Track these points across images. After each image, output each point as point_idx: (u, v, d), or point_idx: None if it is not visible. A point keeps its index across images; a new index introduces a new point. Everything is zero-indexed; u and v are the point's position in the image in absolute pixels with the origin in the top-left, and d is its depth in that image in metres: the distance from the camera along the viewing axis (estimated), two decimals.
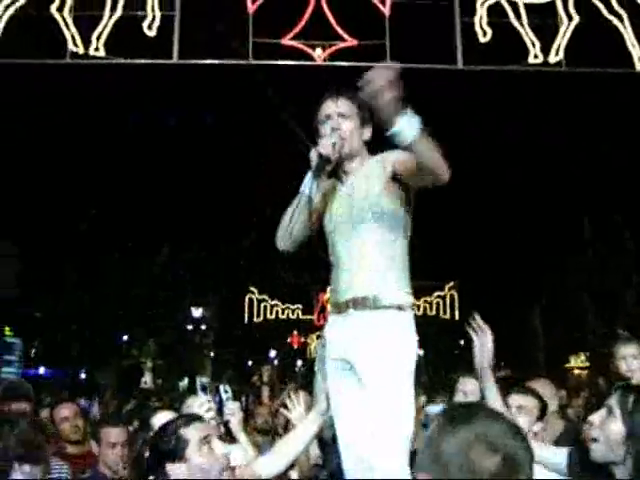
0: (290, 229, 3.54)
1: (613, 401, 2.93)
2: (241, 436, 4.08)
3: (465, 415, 1.69)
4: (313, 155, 3.46)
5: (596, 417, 3.00)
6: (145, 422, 4.10)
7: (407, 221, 3.56)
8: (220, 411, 4.23)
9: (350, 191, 3.56)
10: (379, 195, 3.48)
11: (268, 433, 6.69)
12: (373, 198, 3.48)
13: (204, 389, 4.23)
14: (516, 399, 4.07)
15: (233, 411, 4.16)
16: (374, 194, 3.48)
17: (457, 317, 26.48)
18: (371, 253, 3.48)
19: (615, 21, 8.40)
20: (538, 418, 4.13)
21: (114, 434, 4.62)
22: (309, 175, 3.49)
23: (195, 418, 3.20)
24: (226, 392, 4.26)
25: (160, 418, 3.72)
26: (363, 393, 3.33)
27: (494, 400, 3.65)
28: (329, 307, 3.68)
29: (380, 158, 3.56)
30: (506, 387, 4.51)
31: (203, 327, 31.56)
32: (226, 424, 4.17)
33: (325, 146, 3.41)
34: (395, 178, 3.48)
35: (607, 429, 2.89)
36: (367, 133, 3.63)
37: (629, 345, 4.82)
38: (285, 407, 3.87)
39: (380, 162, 3.55)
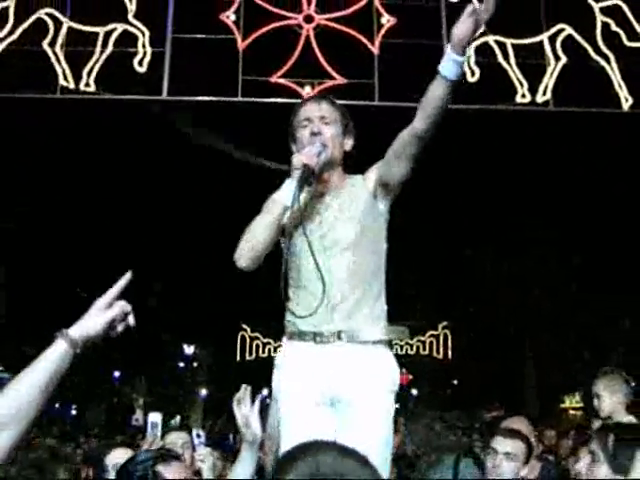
0: (260, 244, 3.17)
1: (594, 445, 2.88)
2: None
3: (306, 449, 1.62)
4: (297, 162, 3.13)
5: (582, 466, 2.94)
6: (99, 461, 4.01)
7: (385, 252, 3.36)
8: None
9: (337, 213, 3.26)
10: (366, 219, 3.28)
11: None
12: (361, 223, 3.26)
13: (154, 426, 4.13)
14: (504, 445, 3.99)
15: (203, 457, 4.07)
16: (361, 218, 3.26)
17: (450, 357, 26.35)
18: (363, 281, 3.25)
19: (602, 62, 8.48)
20: (524, 462, 4.07)
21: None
22: (290, 184, 3.13)
23: (174, 457, 3.09)
24: (198, 436, 4.20)
25: (114, 457, 3.67)
26: (355, 432, 3.05)
27: None
28: (291, 334, 3.25)
29: (363, 177, 3.35)
30: (515, 432, 4.46)
31: (195, 364, 31.43)
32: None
33: (309, 156, 3.13)
34: (376, 197, 3.31)
35: (595, 475, 2.83)
36: (349, 143, 3.39)
37: (606, 379, 4.81)
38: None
39: (364, 182, 3.34)
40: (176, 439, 4.45)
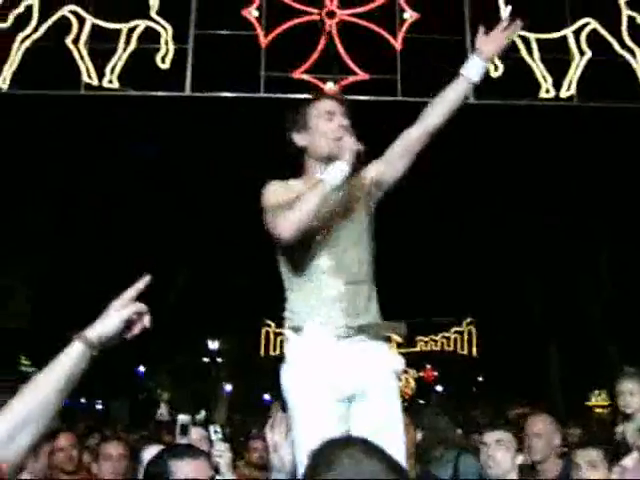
0: (306, 218, 3.13)
1: None
2: (229, 477, 4.00)
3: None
4: (351, 146, 3.17)
5: (629, 461, 2.93)
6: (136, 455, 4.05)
7: None
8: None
9: (342, 211, 3.34)
10: (365, 219, 3.41)
11: (264, 468, 6.60)
12: (362, 223, 3.39)
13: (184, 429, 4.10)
14: (492, 435, 4.01)
15: (222, 453, 4.07)
16: (362, 218, 3.40)
17: (475, 353, 26.27)
18: (370, 278, 3.36)
19: (627, 56, 8.39)
20: (517, 450, 4.09)
21: (111, 447, 4.60)
22: (339, 166, 3.14)
23: (189, 453, 3.07)
24: (216, 432, 4.18)
25: (150, 452, 3.68)
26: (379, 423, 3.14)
27: None
28: (314, 328, 3.21)
29: (359, 177, 3.44)
30: (502, 423, 4.47)
31: (219, 360, 31.47)
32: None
33: (356, 145, 3.18)
34: (370, 196, 3.45)
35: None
36: None
37: (627, 381, 4.82)
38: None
39: (361, 181, 3.46)
40: (194, 434, 4.46)
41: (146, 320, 2.11)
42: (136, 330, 2.09)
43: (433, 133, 3.44)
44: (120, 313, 2.05)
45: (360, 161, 3.24)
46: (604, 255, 20.48)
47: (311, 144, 3.43)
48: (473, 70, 3.48)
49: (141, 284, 2.13)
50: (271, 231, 3.22)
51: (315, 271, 3.28)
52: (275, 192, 3.35)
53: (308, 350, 3.23)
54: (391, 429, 3.18)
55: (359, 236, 3.35)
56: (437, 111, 3.45)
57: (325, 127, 3.37)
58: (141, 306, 2.09)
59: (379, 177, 3.46)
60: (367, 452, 1.60)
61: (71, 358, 1.95)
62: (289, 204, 3.18)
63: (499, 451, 3.90)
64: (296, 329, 3.28)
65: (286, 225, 3.14)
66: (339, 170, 3.15)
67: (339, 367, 3.17)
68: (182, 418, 4.01)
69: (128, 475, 4.85)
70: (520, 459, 4.01)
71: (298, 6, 8.46)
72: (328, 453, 1.63)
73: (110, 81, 8.30)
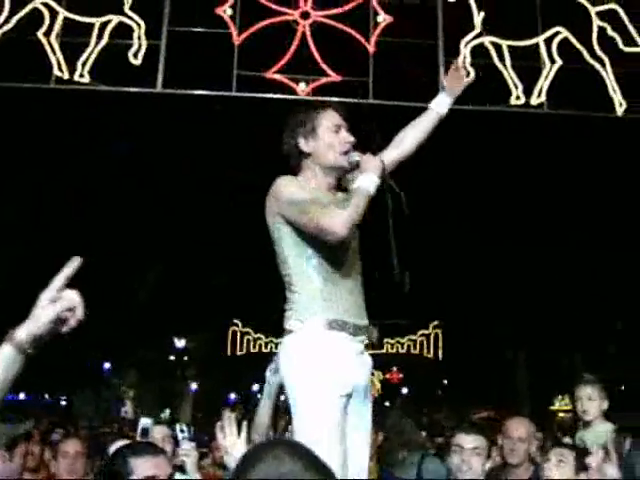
0: (357, 220, 3.39)
1: (609, 445, 2.91)
2: (195, 476, 4.01)
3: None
4: (376, 162, 3.49)
5: (592, 460, 2.98)
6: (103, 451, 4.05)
7: None
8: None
9: None
10: None
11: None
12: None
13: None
14: (470, 440, 4.05)
15: (188, 452, 4.07)
16: None
17: (440, 356, 26.40)
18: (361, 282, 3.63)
19: (597, 66, 8.49)
20: (487, 457, 4.16)
21: (68, 444, 4.58)
22: (370, 177, 3.43)
23: (149, 451, 3.07)
24: (182, 432, 4.18)
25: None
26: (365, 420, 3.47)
27: None
28: (326, 323, 3.34)
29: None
30: (490, 428, 4.52)
31: (186, 358, 31.39)
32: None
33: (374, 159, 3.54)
34: None
35: (604, 474, 2.87)
36: None
37: (586, 386, 4.91)
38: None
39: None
40: (157, 433, 4.46)
41: (79, 312, 1.93)
42: (72, 323, 1.93)
43: (405, 158, 3.89)
44: (47, 311, 1.90)
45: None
46: (571, 260, 20.69)
47: (316, 152, 3.60)
48: (441, 105, 4.10)
49: (69, 269, 1.96)
50: (319, 225, 3.34)
51: (327, 272, 3.43)
52: (300, 187, 3.50)
53: (319, 347, 3.34)
54: (367, 429, 3.46)
55: (357, 242, 3.62)
56: (410, 139, 3.93)
57: (333, 139, 3.58)
58: (72, 297, 1.93)
59: None
60: (292, 453, 1.62)
61: (1, 361, 1.84)
62: (325, 205, 3.42)
63: (475, 457, 3.94)
64: (325, 323, 3.38)
65: (343, 223, 3.31)
66: (372, 181, 3.41)
67: (346, 364, 3.34)
68: (144, 421, 4.01)
69: (86, 473, 4.83)
70: (488, 465, 4.07)
71: (273, 6, 8.45)
72: (254, 454, 1.66)
73: (81, 75, 8.23)
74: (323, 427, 3.16)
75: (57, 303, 1.91)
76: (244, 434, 3.36)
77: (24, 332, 1.87)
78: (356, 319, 3.42)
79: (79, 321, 1.94)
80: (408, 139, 3.94)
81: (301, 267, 3.44)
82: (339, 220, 3.30)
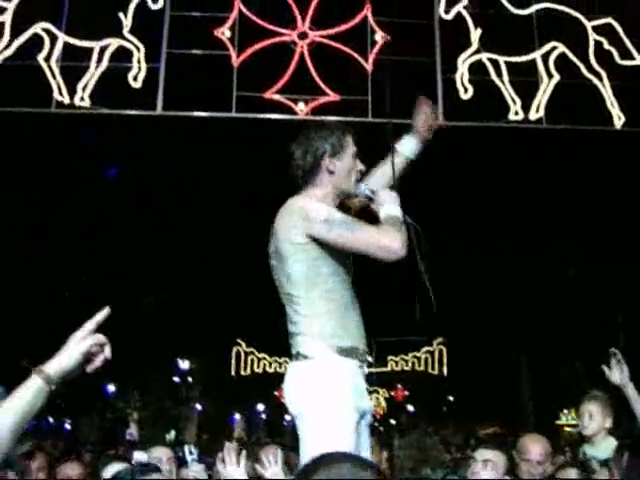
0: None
1: (611, 462, 2.93)
2: None
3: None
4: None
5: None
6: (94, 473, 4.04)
7: None
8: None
9: None
10: None
11: None
12: None
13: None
14: (483, 453, 4.03)
15: (197, 474, 4.09)
16: None
17: (445, 373, 26.32)
18: None
19: (595, 80, 8.53)
20: (507, 472, 4.10)
21: (68, 468, 4.56)
22: (395, 202, 3.57)
23: (153, 469, 3.14)
24: (191, 453, 4.19)
25: (111, 470, 3.68)
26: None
27: None
28: (341, 350, 3.39)
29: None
30: (497, 443, 4.49)
31: (190, 379, 31.32)
32: None
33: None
34: None
35: None
36: None
37: (588, 403, 4.87)
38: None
39: None
40: (161, 454, 4.46)
41: (107, 352, 2.07)
42: (98, 362, 2.05)
43: None
44: (79, 347, 2.00)
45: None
46: (572, 273, 20.71)
47: (338, 173, 3.62)
48: (407, 148, 3.99)
49: (101, 316, 2.08)
50: (381, 243, 3.38)
51: (339, 297, 3.47)
52: (329, 206, 3.53)
53: (336, 374, 3.37)
54: (367, 448, 3.51)
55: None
56: (378, 182, 3.88)
57: (354, 166, 3.66)
58: (100, 337, 2.05)
59: None
60: (355, 464, 1.70)
61: (28, 395, 1.92)
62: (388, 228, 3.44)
63: (485, 469, 3.92)
64: (337, 349, 3.40)
65: (403, 243, 3.38)
66: (399, 211, 3.53)
67: (359, 388, 3.43)
68: (137, 457, 3.98)
69: None
70: None
71: (270, 27, 8.51)
72: (318, 462, 1.75)
73: (82, 99, 8.27)
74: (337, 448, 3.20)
75: (86, 341, 2.01)
76: (243, 463, 3.40)
77: (54, 367, 1.96)
78: (363, 345, 3.48)
79: (106, 360, 2.06)
80: (375, 184, 3.87)
81: (314, 291, 3.43)
82: (400, 240, 3.36)
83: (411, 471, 5.39)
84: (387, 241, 3.34)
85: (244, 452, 3.41)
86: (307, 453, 3.17)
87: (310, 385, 3.36)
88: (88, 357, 2.02)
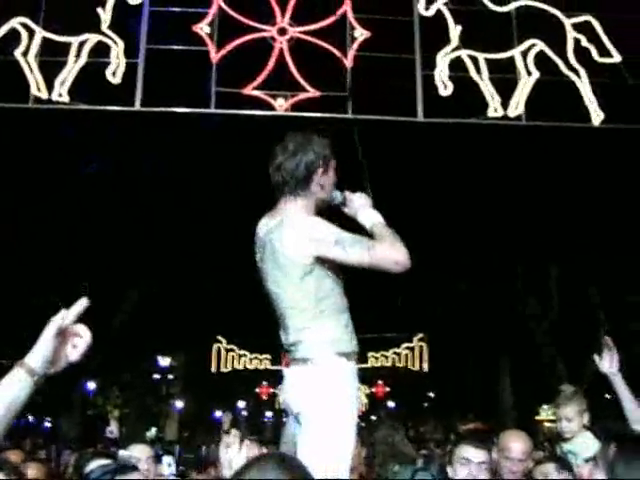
0: None
1: (598, 453, 2.94)
2: None
3: None
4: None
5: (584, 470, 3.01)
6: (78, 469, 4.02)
7: None
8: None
9: None
10: None
11: None
12: None
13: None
14: (478, 454, 4.01)
15: None
16: None
17: (426, 369, 26.40)
18: None
19: (573, 77, 8.56)
20: (487, 469, 4.09)
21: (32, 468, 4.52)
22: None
23: (131, 467, 3.13)
24: (169, 465, 4.20)
25: (91, 467, 3.65)
26: None
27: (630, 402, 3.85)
28: (345, 355, 3.53)
29: None
30: (477, 439, 4.47)
31: (170, 376, 31.23)
32: None
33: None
34: None
35: None
36: None
37: (564, 407, 4.83)
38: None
39: None
40: (140, 453, 4.43)
41: (87, 336, 2.05)
42: (80, 351, 2.03)
43: None
44: (59, 339, 1.99)
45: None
46: (553, 273, 20.80)
47: (324, 186, 3.67)
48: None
49: (79, 307, 2.06)
50: (394, 258, 3.44)
51: (338, 304, 3.58)
52: (335, 232, 3.52)
53: (340, 378, 3.47)
54: None
55: None
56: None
57: (334, 181, 3.72)
58: (81, 328, 2.04)
59: None
60: (281, 466, 1.70)
61: (13, 386, 1.91)
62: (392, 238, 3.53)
63: (482, 472, 3.92)
64: (343, 353, 3.51)
65: (406, 254, 3.44)
66: (376, 214, 3.69)
67: (358, 393, 3.64)
68: (122, 455, 3.98)
69: None
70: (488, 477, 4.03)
71: (250, 23, 8.48)
72: (246, 465, 1.79)
73: (60, 95, 8.21)
74: (346, 451, 3.38)
75: (67, 333, 2.01)
76: (244, 450, 3.41)
77: (35, 358, 1.95)
78: (356, 348, 3.56)
79: (88, 346, 2.05)
80: None
81: (322, 304, 3.52)
82: (406, 252, 3.45)
83: (380, 467, 5.37)
84: (400, 256, 3.44)
85: (246, 441, 3.44)
86: (312, 452, 3.28)
87: (320, 388, 3.45)
88: (69, 348, 2.01)
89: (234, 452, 3.38)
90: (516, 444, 4.52)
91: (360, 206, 3.70)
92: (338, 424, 3.37)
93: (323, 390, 3.43)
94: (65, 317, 2.01)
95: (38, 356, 1.95)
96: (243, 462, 3.39)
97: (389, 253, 3.44)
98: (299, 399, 3.49)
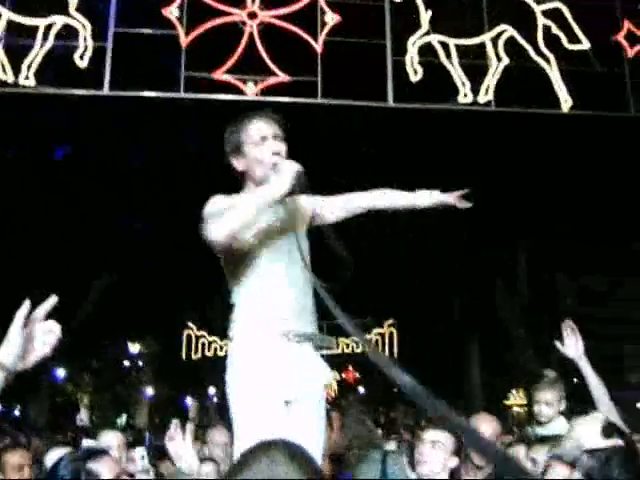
0: (242, 224, 3.19)
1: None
2: None
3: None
4: (293, 167, 3.25)
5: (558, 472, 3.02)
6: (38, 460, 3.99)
7: None
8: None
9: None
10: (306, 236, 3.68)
11: None
12: (305, 237, 3.63)
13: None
14: (431, 434, 3.99)
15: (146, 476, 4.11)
16: (305, 234, 3.67)
17: (396, 354, 26.49)
18: (312, 292, 3.58)
19: (543, 63, 8.61)
20: (454, 453, 4.06)
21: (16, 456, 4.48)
22: (279, 181, 3.22)
23: (104, 452, 3.12)
24: (143, 458, 4.20)
25: (52, 456, 3.63)
26: None
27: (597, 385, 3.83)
28: (262, 332, 3.34)
29: (304, 201, 3.71)
30: (446, 424, 4.46)
31: (140, 363, 31.13)
32: None
33: (293, 166, 3.28)
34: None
35: None
36: None
37: (545, 391, 4.85)
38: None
39: (303, 204, 3.71)
40: (112, 439, 4.41)
41: (56, 330, 2.07)
42: (50, 346, 2.06)
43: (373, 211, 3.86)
44: (25, 330, 1.99)
45: (300, 182, 3.28)
46: (522, 258, 20.97)
47: (249, 169, 3.49)
48: (424, 200, 4.10)
49: (48, 305, 2.07)
50: (204, 236, 3.23)
51: (265, 281, 3.36)
52: (214, 203, 3.38)
53: (259, 353, 3.29)
54: (313, 434, 3.32)
55: (300, 253, 3.36)
56: (385, 204, 3.91)
57: (259, 154, 3.43)
58: (50, 324, 2.06)
59: (315, 214, 3.69)
60: (287, 454, 1.64)
61: None
62: (221, 212, 3.24)
63: (433, 450, 3.88)
64: (247, 334, 3.34)
65: (217, 229, 3.17)
66: (278, 187, 3.22)
67: (285, 371, 3.27)
68: (85, 444, 3.98)
69: None
70: (454, 463, 3.97)
71: (220, 6, 8.42)
72: (251, 453, 1.67)
73: (27, 78, 8.11)
74: (260, 432, 2.99)
75: (36, 329, 2.03)
76: (188, 436, 3.41)
77: (4, 351, 1.96)
78: (299, 328, 3.36)
79: (58, 338, 2.07)
80: (383, 204, 3.93)
81: (238, 281, 3.41)
82: (217, 227, 3.20)
83: (349, 451, 5.37)
84: (207, 230, 3.24)
85: (189, 427, 3.42)
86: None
87: (230, 364, 3.36)
88: (39, 342, 2.03)
89: (179, 443, 3.40)
90: (485, 427, 4.54)
91: (280, 171, 3.31)
92: (248, 408, 3.22)
93: (232, 366, 3.34)
94: (27, 304, 2.01)
95: (7, 351, 1.96)
96: (189, 451, 3.41)
97: (207, 227, 3.24)
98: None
